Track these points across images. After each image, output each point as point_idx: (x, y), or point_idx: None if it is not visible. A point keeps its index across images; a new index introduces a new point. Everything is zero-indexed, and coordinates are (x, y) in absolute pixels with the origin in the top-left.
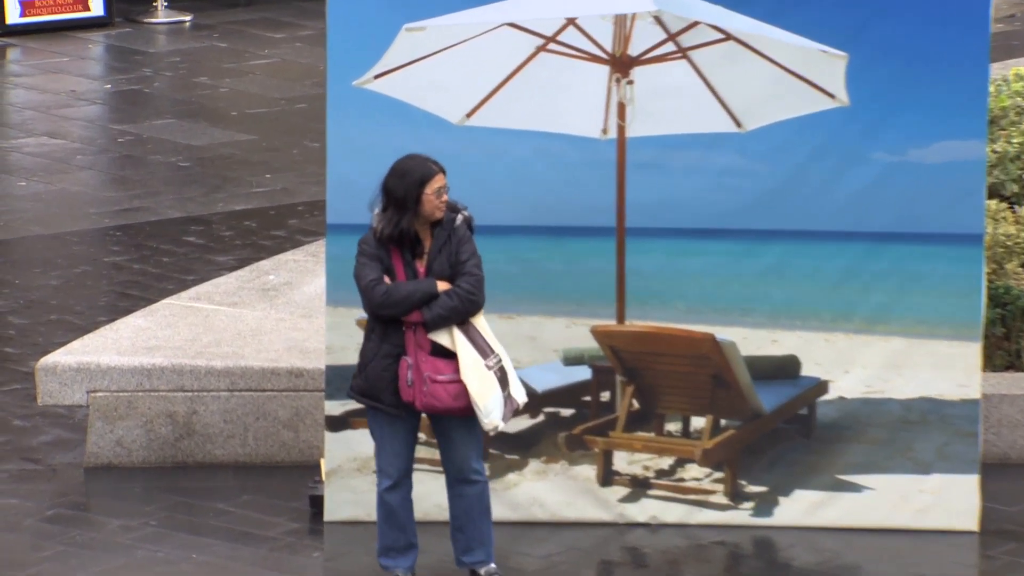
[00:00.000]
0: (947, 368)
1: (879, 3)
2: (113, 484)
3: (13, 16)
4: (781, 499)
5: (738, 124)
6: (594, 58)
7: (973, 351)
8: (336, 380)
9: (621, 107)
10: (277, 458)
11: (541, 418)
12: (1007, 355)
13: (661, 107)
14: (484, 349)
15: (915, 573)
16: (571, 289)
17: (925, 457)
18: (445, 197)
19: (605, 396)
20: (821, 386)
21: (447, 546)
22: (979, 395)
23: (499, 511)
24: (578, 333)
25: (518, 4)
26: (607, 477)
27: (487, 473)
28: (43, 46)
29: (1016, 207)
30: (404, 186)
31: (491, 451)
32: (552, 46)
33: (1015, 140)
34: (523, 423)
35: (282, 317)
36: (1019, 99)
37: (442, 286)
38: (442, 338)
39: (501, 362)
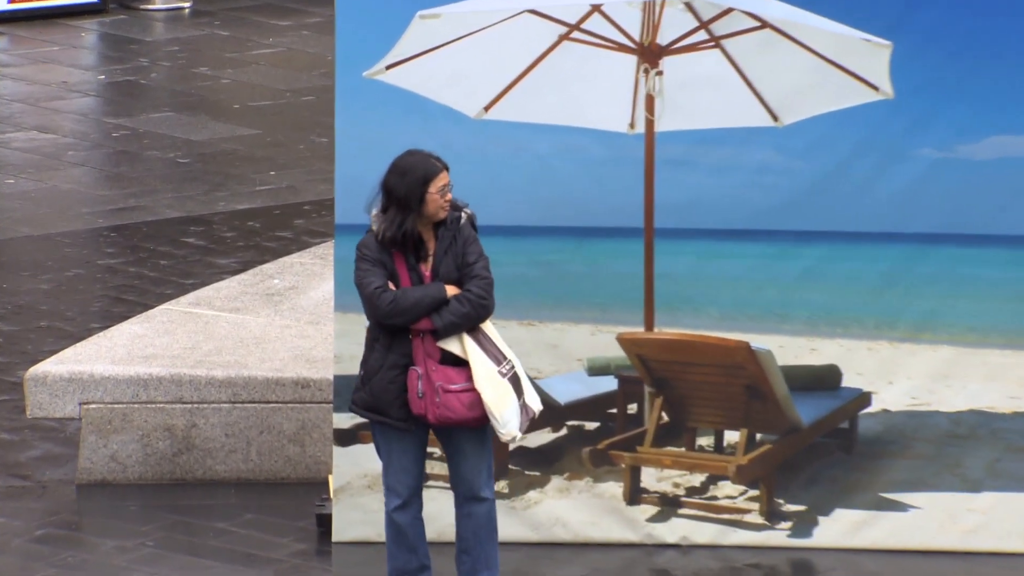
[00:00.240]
0: (998, 379)
1: None
2: (107, 502)
3: (1, 2)
4: (820, 519)
5: (774, 118)
6: (621, 47)
7: None
8: (345, 391)
9: (649, 100)
10: (282, 474)
11: (564, 432)
12: None
13: (692, 100)
14: (496, 355)
15: None
16: (596, 294)
17: (974, 474)
18: (449, 196)
19: (632, 408)
20: (863, 398)
21: None
22: None
23: (519, 531)
24: (603, 341)
25: None
26: (634, 495)
27: (506, 490)
28: (32, 34)
29: None
30: (406, 185)
31: (511, 467)
32: (576, 34)
33: None
34: (545, 437)
35: (287, 324)
36: None
37: (451, 291)
38: (452, 346)
39: (514, 368)
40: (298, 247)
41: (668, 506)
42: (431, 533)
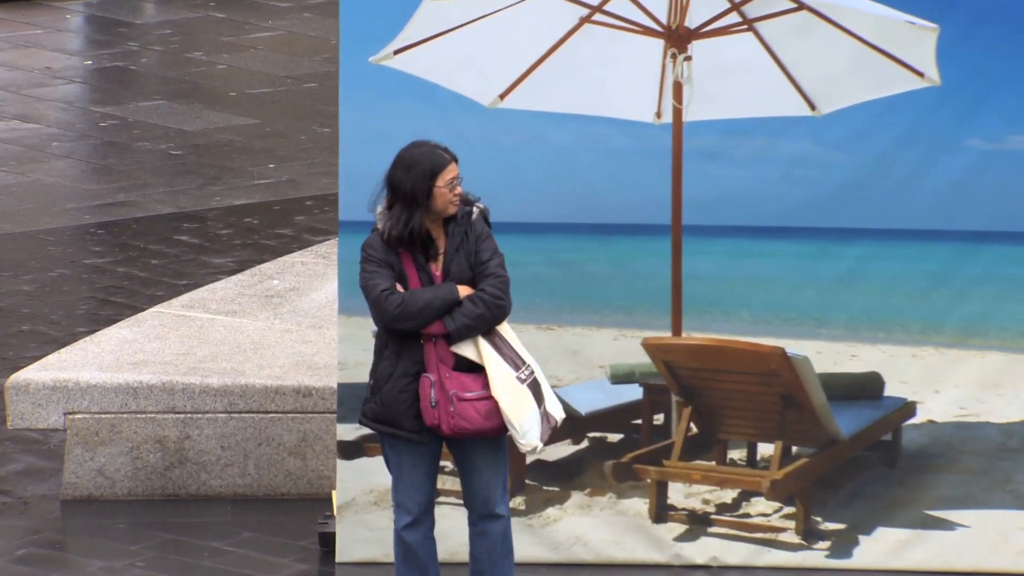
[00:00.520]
0: None
1: None
2: (94, 519)
3: None
4: (861, 538)
5: (812, 107)
6: (646, 31)
7: None
8: (349, 400)
9: (677, 87)
10: (282, 489)
11: (585, 444)
12: None
13: (723, 87)
14: (514, 360)
15: None
16: (619, 296)
17: None
18: (459, 190)
19: (659, 419)
20: (907, 408)
21: None
22: None
23: (537, 551)
24: (627, 346)
25: None
26: (661, 512)
27: (523, 507)
28: (13, 16)
29: None
30: (412, 179)
31: (528, 482)
32: (598, 17)
33: None
34: (565, 450)
35: (288, 328)
36: None
37: (463, 291)
38: (467, 350)
39: (534, 374)
40: (299, 245)
41: (697, 524)
42: (442, 553)
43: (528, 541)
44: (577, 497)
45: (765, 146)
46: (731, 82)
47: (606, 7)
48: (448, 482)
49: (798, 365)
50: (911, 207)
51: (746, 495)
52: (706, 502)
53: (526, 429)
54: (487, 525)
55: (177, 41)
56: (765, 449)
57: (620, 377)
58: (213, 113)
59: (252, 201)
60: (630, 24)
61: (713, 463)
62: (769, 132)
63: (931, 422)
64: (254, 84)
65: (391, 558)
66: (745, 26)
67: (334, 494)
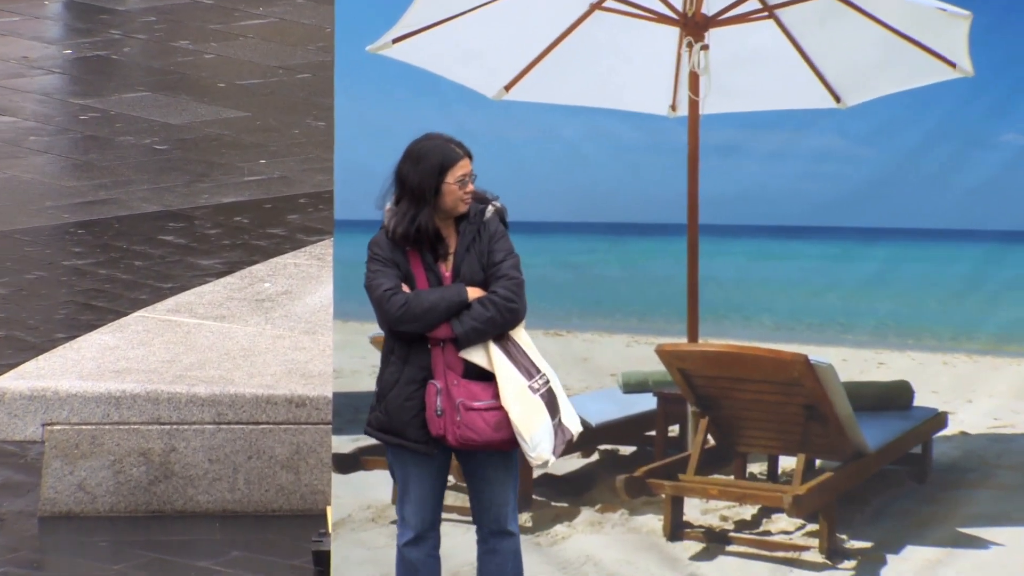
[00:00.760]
0: None
1: None
2: (74, 537)
3: None
4: (889, 557)
5: (836, 99)
6: (661, 18)
7: None
8: (345, 410)
9: (693, 78)
10: (274, 505)
11: (595, 457)
12: None
13: (742, 78)
14: (528, 368)
15: None
16: (632, 300)
17: None
18: (471, 187)
19: (674, 431)
20: (938, 419)
21: None
22: None
23: (544, 570)
24: (640, 353)
25: None
26: (676, 529)
27: (529, 523)
28: None
29: None
30: (420, 173)
31: (535, 497)
32: (609, 3)
33: None
34: (574, 463)
35: (280, 334)
36: None
37: (473, 293)
38: (476, 356)
39: (549, 384)
40: (292, 246)
41: (715, 542)
42: (446, 573)
43: (535, 560)
44: (587, 513)
45: (787, 141)
46: (751, 73)
47: None
48: (450, 497)
49: (822, 373)
50: (942, 205)
51: (767, 511)
52: (724, 519)
53: (537, 442)
54: (498, 543)
55: (162, 29)
56: (787, 463)
57: (633, 386)
58: (200, 106)
59: (242, 199)
60: (643, 11)
61: (732, 477)
62: (791, 126)
63: (963, 434)
64: (244, 75)
65: None
66: (766, 13)
67: (329, 510)
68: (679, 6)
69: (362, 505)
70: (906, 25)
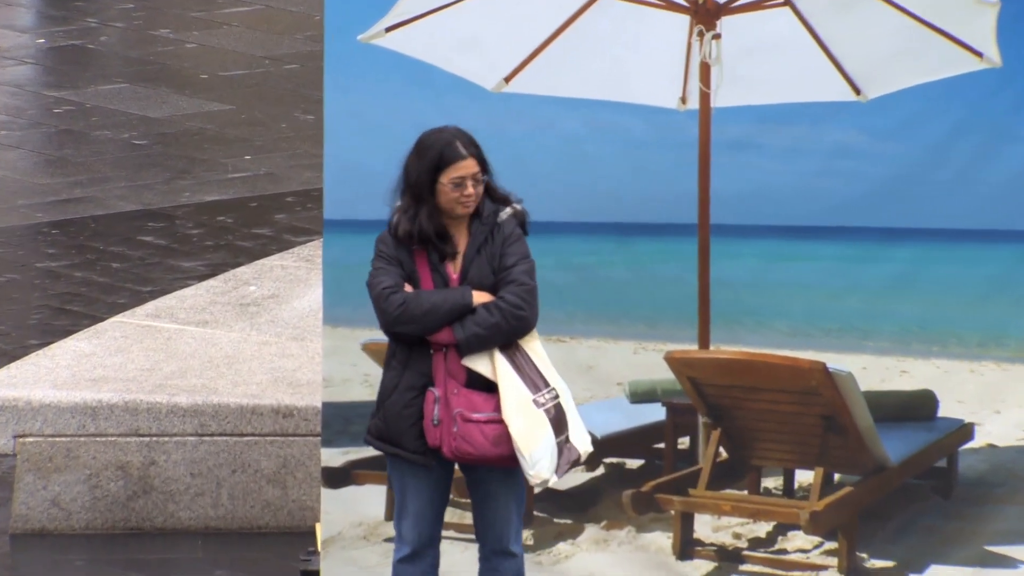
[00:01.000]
0: None
1: None
2: (47, 555)
3: None
4: None
5: (856, 91)
6: (670, 5)
7: None
8: (335, 421)
9: (704, 69)
10: (259, 522)
11: (601, 471)
12: None
13: (756, 69)
14: (535, 381)
15: None
16: (640, 304)
17: None
18: (470, 190)
19: (683, 443)
20: (964, 430)
21: None
22: None
23: None
24: (649, 361)
25: None
26: (686, 548)
27: (530, 541)
28: None
29: None
30: (418, 169)
31: (536, 513)
32: None
33: None
34: (578, 477)
35: (266, 340)
36: None
37: (480, 297)
38: (480, 365)
39: (558, 399)
40: (279, 247)
41: (727, 561)
42: None
43: None
44: (592, 531)
45: (804, 135)
46: (765, 63)
47: None
48: (448, 513)
49: (841, 382)
50: (968, 203)
51: (782, 528)
52: (737, 536)
53: (536, 459)
54: (500, 563)
55: (141, 17)
56: (804, 477)
57: (640, 395)
58: (182, 98)
59: (226, 197)
60: None
61: (745, 492)
62: (808, 120)
63: (991, 446)
64: (228, 65)
65: None
66: (782, 0)
67: (318, 527)
68: None
69: (353, 522)
70: (930, 13)
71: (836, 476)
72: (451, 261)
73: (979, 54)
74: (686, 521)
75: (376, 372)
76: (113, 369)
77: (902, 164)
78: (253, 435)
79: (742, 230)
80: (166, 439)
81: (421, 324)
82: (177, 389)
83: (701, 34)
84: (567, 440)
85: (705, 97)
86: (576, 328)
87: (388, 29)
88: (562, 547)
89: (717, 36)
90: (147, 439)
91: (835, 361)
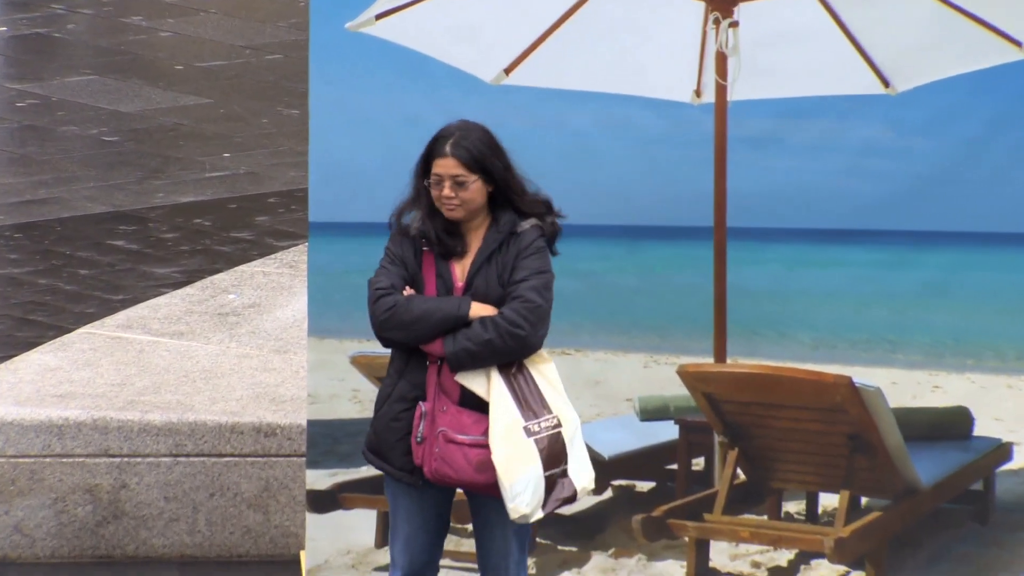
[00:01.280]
0: None
1: None
2: None
3: None
4: None
5: (885, 84)
6: None
7: None
8: (322, 441)
9: (721, 59)
10: (239, 549)
11: (609, 494)
12: None
13: (777, 59)
14: (532, 407)
15: None
16: (651, 314)
17: None
18: (448, 191)
19: (698, 464)
20: (1002, 450)
21: None
22: None
23: None
24: (660, 375)
25: None
26: None
27: (533, 570)
28: None
29: None
30: (418, 163)
31: (539, 540)
32: None
33: None
34: (584, 501)
35: (247, 353)
36: None
37: (481, 310)
38: (475, 383)
39: (557, 429)
40: (260, 252)
41: None
42: None
43: None
44: (599, 559)
45: (828, 131)
46: (787, 53)
47: None
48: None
49: (868, 398)
50: (1006, 205)
51: (805, 556)
52: (756, 565)
53: (516, 492)
54: None
55: (111, 3)
56: (828, 500)
57: (651, 412)
58: (155, 91)
59: (203, 198)
60: None
61: (765, 518)
62: (833, 114)
63: None
64: (205, 56)
65: None
66: None
67: (303, 555)
68: None
69: (341, 549)
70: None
71: (863, 500)
72: (458, 265)
73: (1018, 43)
74: (701, 548)
75: (366, 387)
76: (81, 384)
77: (934, 162)
78: (232, 455)
79: (762, 233)
80: (138, 460)
81: (410, 331)
82: (150, 406)
83: (717, 21)
84: (563, 475)
85: (721, 90)
86: (582, 340)
87: (378, 16)
88: None
89: (734, 24)
90: (118, 460)
91: (862, 375)
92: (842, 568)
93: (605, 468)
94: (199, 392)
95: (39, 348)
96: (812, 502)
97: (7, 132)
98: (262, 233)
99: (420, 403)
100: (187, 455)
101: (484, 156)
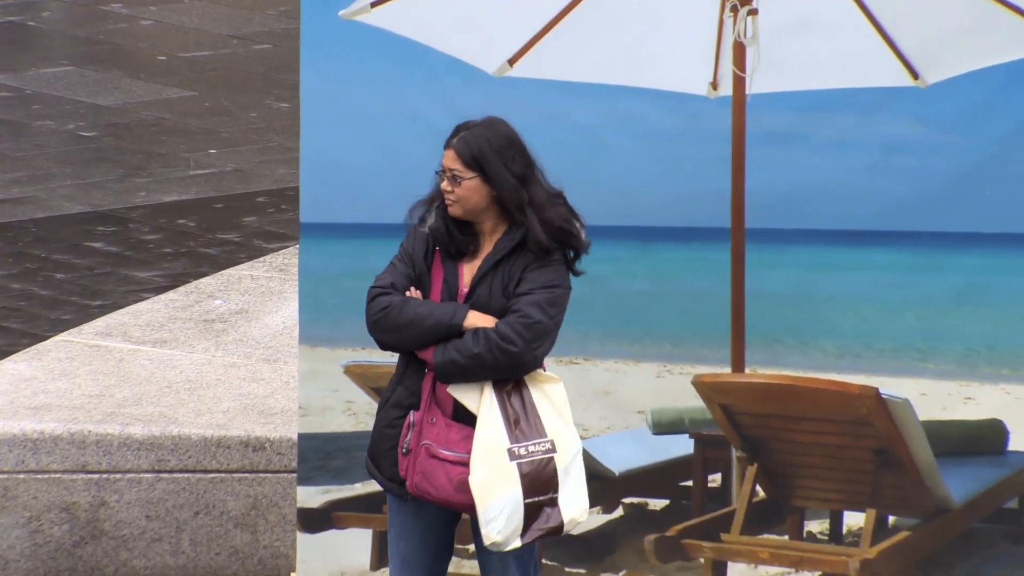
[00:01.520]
0: None
1: None
2: None
3: None
4: None
5: (914, 75)
6: None
7: None
8: (313, 456)
9: (739, 49)
10: (225, 571)
11: (619, 513)
12: None
13: (798, 50)
14: (524, 428)
15: None
16: (664, 321)
17: None
18: (447, 184)
19: (714, 480)
20: None
21: None
22: None
23: None
24: (674, 385)
25: None
26: None
27: None
28: None
29: None
30: None
31: (545, 562)
32: None
33: None
34: (593, 520)
35: (234, 362)
36: None
37: (479, 320)
38: (467, 397)
39: (550, 454)
40: (248, 255)
41: None
42: None
43: None
44: None
45: (853, 126)
46: (809, 43)
47: None
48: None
49: (896, 410)
50: None
51: None
52: None
53: (490, 517)
54: None
55: None
56: (853, 519)
57: (665, 425)
58: (136, 83)
59: (187, 197)
60: None
61: (786, 538)
62: (859, 108)
63: None
64: (190, 46)
65: None
66: None
67: None
68: None
69: (334, 572)
70: None
71: (891, 519)
72: (468, 269)
73: None
74: (718, 571)
75: (360, 398)
76: (57, 395)
77: (966, 159)
78: (218, 471)
79: (782, 235)
80: (118, 476)
81: (401, 335)
82: (131, 418)
83: (735, 9)
84: (551, 503)
85: (739, 82)
86: (591, 348)
87: (374, 4)
88: None
89: (753, 12)
90: (96, 476)
91: (889, 386)
92: None
93: (615, 485)
94: (183, 404)
95: (12, 357)
96: (836, 521)
97: None
98: (250, 234)
99: (411, 412)
100: (170, 471)
101: (485, 156)
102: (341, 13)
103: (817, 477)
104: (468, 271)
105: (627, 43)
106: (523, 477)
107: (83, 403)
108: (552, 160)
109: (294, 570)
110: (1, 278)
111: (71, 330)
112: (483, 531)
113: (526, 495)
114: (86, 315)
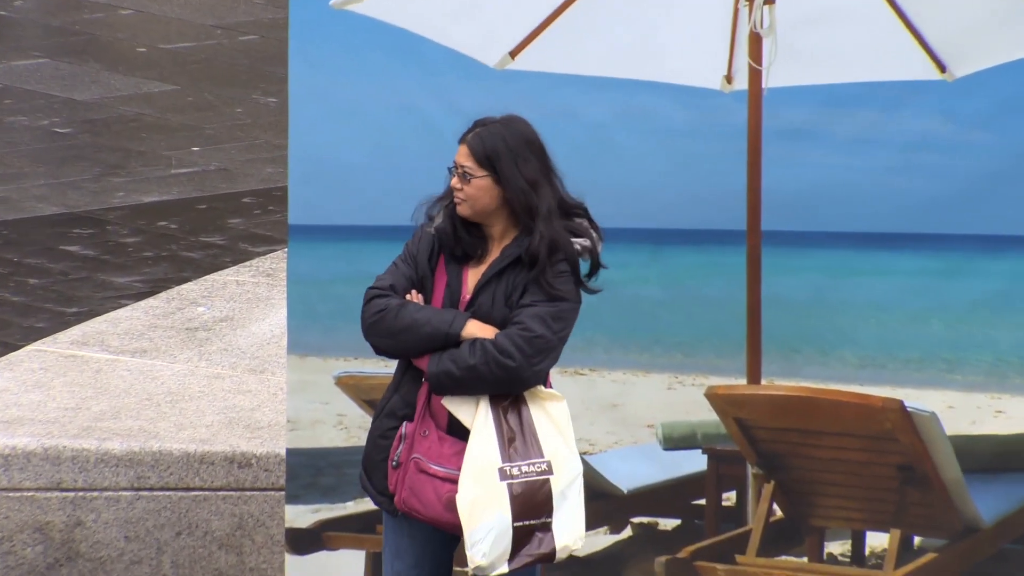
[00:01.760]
0: None
1: None
2: None
3: None
4: None
5: (941, 69)
6: None
7: None
8: (303, 472)
9: (755, 41)
10: None
11: (628, 533)
12: None
13: (818, 41)
14: (519, 447)
15: None
16: (676, 329)
17: None
18: (456, 181)
19: (729, 498)
20: None
21: None
22: None
23: None
24: (686, 398)
25: None
26: None
27: None
28: None
29: None
30: None
31: None
32: None
33: None
34: (600, 540)
35: (218, 373)
36: None
37: (479, 330)
38: (462, 410)
39: (545, 476)
40: (234, 259)
41: None
42: None
43: None
44: None
45: (876, 123)
46: (829, 34)
47: None
48: None
49: (922, 424)
50: None
51: None
52: None
53: (475, 539)
54: None
55: None
56: (877, 540)
57: (676, 440)
58: (115, 77)
59: (168, 198)
60: None
61: (805, 559)
62: (881, 103)
63: None
64: (171, 37)
65: None
66: None
67: None
68: None
69: None
70: None
71: (916, 540)
72: (472, 275)
73: None
74: None
75: (352, 411)
76: (30, 408)
77: (995, 158)
78: (202, 489)
79: (800, 238)
80: (95, 494)
81: (396, 341)
82: (109, 433)
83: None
84: (544, 528)
85: (756, 76)
86: (598, 358)
87: None
88: None
89: (770, 1)
90: (72, 494)
91: (915, 399)
92: None
93: (624, 503)
94: (164, 417)
95: None
96: (858, 542)
97: None
98: (235, 237)
99: (405, 423)
100: (150, 489)
101: (498, 154)
102: (332, 2)
103: (838, 495)
104: (472, 277)
105: (636, 34)
106: (514, 499)
107: (58, 416)
108: (557, 157)
109: None
110: None
111: (45, 339)
112: (468, 553)
113: (516, 518)
114: (61, 323)
